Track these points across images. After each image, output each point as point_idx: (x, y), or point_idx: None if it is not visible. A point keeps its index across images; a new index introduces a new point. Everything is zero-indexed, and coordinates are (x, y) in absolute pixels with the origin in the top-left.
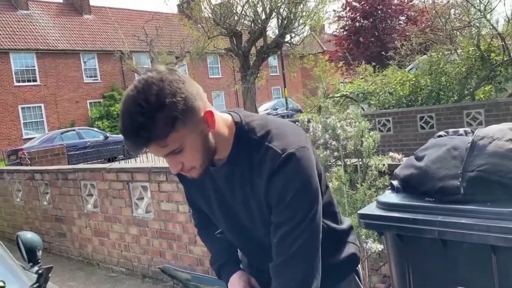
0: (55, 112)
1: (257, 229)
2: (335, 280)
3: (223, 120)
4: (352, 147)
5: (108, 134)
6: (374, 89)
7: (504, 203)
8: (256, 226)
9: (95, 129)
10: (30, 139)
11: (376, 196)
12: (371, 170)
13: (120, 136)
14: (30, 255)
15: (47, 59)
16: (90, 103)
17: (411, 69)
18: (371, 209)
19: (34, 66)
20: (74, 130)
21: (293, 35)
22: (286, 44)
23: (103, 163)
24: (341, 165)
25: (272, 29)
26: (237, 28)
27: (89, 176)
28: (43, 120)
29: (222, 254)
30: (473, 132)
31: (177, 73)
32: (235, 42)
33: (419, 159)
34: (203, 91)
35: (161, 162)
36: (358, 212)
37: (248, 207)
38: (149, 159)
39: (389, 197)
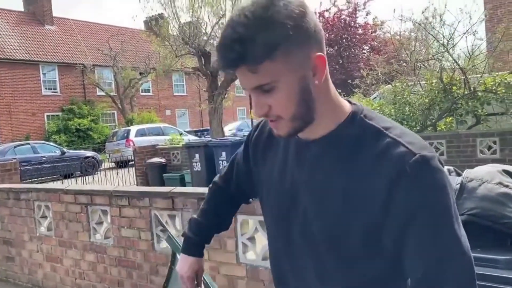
0: (8, 124)
1: (317, 233)
2: None
3: (338, 96)
4: None
5: (65, 150)
6: None
7: (496, 250)
8: (319, 230)
9: (52, 143)
10: None
11: None
12: None
13: (78, 152)
14: None
15: (3, 68)
16: (47, 116)
17: (375, 97)
18: None
19: None
20: (28, 144)
21: None
22: None
23: (58, 179)
24: None
25: None
26: (206, 48)
27: (44, 196)
28: None
29: (202, 230)
30: (456, 171)
31: (303, 4)
32: (203, 61)
33: None
34: (324, 40)
35: (123, 184)
36: None
37: (322, 204)
38: (109, 181)
39: None
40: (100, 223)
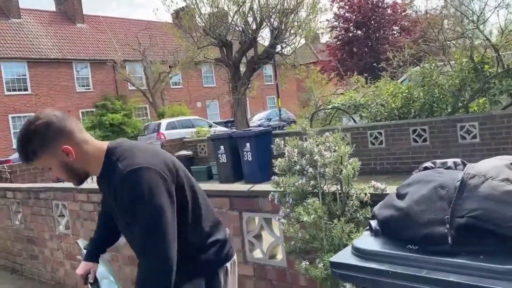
0: None
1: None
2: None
3: (96, 148)
4: (332, 174)
5: None
6: (366, 101)
7: (500, 257)
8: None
9: None
10: None
11: (357, 231)
12: (351, 200)
13: None
14: None
15: (39, 68)
16: (82, 112)
17: (403, 80)
18: (345, 256)
19: (25, 75)
20: None
21: (284, 45)
22: (278, 54)
23: None
24: (318, 194)
25: (263, 39)
26: (228, 38)
27: (60, 196)
28: None
29: (95, 243)
30: (464, 164)
31: (47, 119)
32: (225, 52)
33: (400, 197)
34: (73, 129)
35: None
36: (330, 259)
37: (115, 212)
38: None
39: (366, 242)
40: None
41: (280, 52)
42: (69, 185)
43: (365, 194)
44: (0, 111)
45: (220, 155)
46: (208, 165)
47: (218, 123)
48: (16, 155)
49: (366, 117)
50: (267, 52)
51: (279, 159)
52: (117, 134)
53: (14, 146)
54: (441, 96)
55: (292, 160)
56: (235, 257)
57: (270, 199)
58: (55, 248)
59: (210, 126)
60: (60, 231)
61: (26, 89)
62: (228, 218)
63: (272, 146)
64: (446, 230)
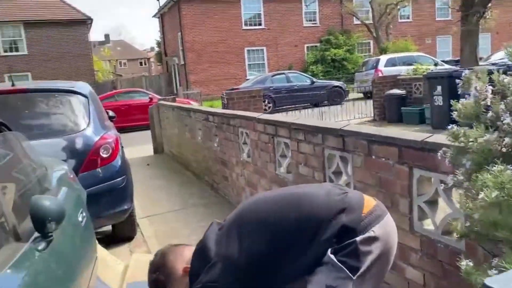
0: (275, 55)
1: None
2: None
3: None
4: None
5: (314, 80)
6: None
7: None
8: None
9: (304, 73)
10: None
11: None
12: None
13: (326, 82)
14: (38, 225)
15: (271, 3)
16: (307, 47)
17: None
18: None
19: (260, 11)
20: (283, 73)
21: None
22: None
23: (308, 108)
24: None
25: None
26: None
27: (244, 124)
28: (264, 63)
29: None
30: None
31: (160, 253)
32: None
33: None
34: (181, 249)
35: (360, 116)
36: (485, 281)
37: None
38: (345, 111)
39: None
40: (283, 156)
41: None
42: (252, 114)
43: None
44: (239, 44)
45: (435, 96)
46: (421, 107)
47: (447, 62)
48: (244, 84)
49: None
50: None
51: (463, 100)
52: (338, 69)
53: (248, 77)
54: None
55: (482, 103)
56: (386, 217)
57: (439, 156)
58: (240, 173)
59: (436, 64)
60: (244, 158)
61: (260, 24)
62: (395, 173)
63: (458, 81)
64: None
